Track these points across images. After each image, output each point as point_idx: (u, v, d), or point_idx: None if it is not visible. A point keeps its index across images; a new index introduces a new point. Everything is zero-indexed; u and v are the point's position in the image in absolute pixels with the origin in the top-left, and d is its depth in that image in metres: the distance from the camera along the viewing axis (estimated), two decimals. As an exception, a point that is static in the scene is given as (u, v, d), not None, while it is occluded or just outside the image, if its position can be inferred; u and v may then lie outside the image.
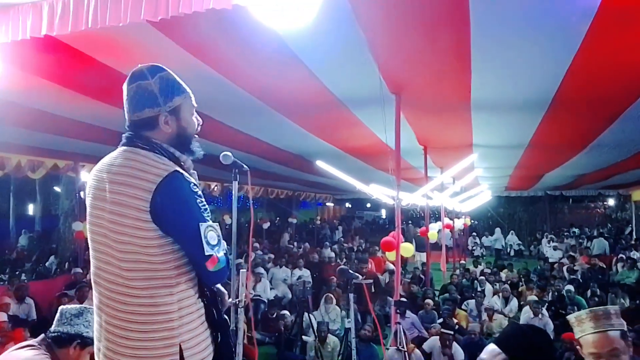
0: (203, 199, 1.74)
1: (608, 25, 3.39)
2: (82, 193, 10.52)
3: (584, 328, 1.95)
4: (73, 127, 6.33)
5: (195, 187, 1.72)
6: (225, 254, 1.74)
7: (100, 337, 1.74)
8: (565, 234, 21.31)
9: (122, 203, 1.64)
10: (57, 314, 2.49)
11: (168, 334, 1.64)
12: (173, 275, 1.67)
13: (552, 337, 6.84)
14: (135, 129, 1.78)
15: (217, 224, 1.76)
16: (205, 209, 1.72)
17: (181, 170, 1.72)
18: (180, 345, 1.65)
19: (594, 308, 2.00)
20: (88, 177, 1.81)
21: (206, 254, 1.65)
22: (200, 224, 1.66)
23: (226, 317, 1.86)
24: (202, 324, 1.74)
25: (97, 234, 1.73)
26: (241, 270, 2.61)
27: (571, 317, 2.02)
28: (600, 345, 1.88)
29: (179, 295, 1.67)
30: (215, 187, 15.44)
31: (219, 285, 1.87)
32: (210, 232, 1.68)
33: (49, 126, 6.37)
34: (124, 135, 1.80)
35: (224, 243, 1.75)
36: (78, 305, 2.57)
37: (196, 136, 1.88)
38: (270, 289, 10.44)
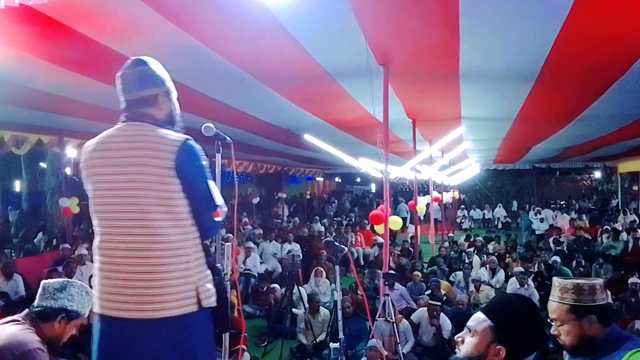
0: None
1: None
2: (67, 169, 10.36)
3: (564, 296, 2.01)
4: (55, 101, 6.17)
5: (201, 151, 2.05)
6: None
7: (113, 297, 1.93)
8: (552, 206, 21.54)
9: (147, 164, 1.93)
10: (40, 289, 2.48)
11: (187, 273, 1.96)
12: (189, 223, 2.00)
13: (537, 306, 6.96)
14: (134, 107, 2.05)
15: None
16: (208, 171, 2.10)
17: (191, 139, 2.04)
18: (197, 283, 1.98)
19: (580, 280, 2.00)
20: (86, 149, 2.07)
21: (217, 203, 2.06)
22: (208, 181, 2.06)
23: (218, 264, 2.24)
24: (205, 265, 2.07)
25: (113, 197, 1.97)
26: (227, 244, 2.60)
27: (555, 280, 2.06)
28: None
29: (193, 241, 2.01)
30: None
31: None
32: (215, 189, 2.09)
33: (31, 101, 6.22)
34: (125, 114, 2.07)
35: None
36: (61, 279, 2.56)
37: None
38: (261, 263, 10.50)
